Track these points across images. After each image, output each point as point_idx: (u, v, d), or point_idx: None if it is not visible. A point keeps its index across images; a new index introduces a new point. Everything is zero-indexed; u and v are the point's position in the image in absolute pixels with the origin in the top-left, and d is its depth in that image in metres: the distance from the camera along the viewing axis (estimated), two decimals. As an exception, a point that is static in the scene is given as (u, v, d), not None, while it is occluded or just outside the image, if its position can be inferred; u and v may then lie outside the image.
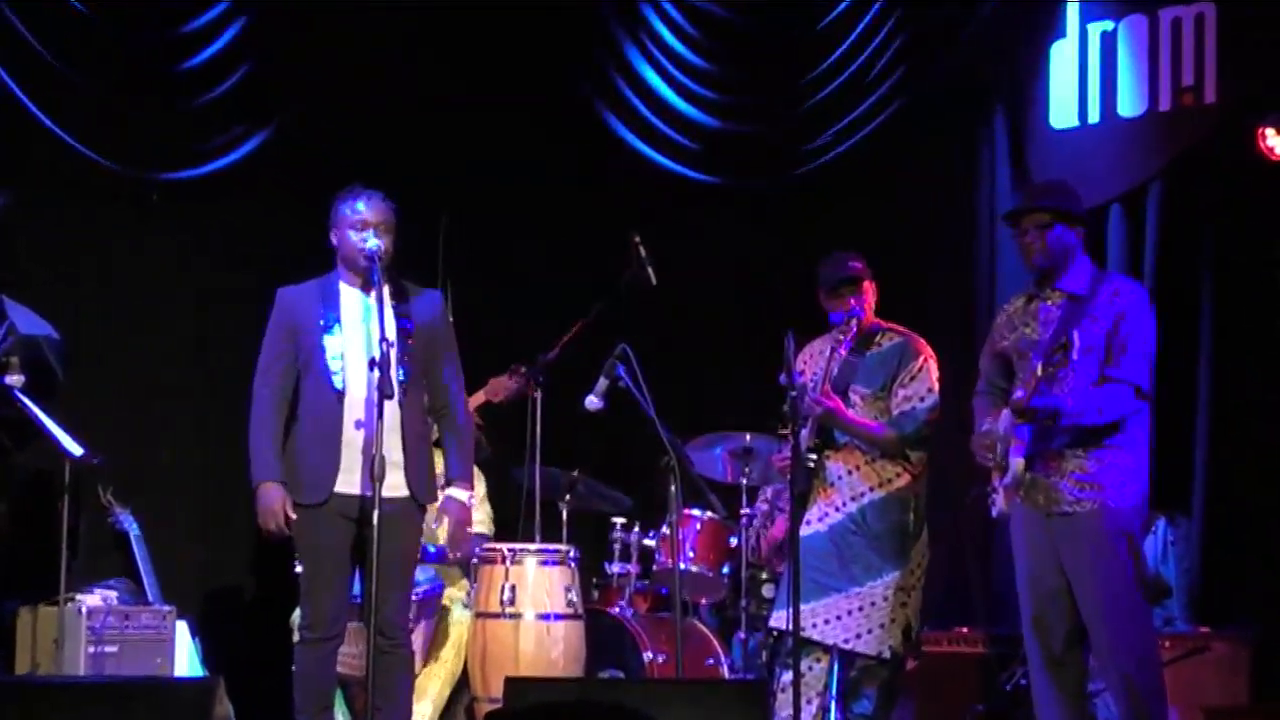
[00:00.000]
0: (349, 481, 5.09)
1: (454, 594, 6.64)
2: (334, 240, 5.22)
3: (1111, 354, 5.16)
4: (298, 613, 5.41)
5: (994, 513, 5.34)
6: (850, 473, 5.83)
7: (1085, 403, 5.14)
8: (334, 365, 5.10)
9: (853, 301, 5.84)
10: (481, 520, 6.84)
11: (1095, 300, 5.22)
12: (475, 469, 6.91)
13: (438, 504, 5.30)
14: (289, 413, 5.17)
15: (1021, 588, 5.33)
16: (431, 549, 6.20)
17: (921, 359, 5.83)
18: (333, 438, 5.09)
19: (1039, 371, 5.05)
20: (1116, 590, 5.15)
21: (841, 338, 5.79)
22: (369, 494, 4.93)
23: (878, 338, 5.88)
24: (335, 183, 5.35)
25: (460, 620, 6.52)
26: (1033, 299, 5.39)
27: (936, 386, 5.82)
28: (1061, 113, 7.49)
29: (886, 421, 5.79)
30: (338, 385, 5.10)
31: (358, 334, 5.14)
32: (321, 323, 5.14)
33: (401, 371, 5.03)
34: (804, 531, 5.71)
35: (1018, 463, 5.17)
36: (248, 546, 7.24)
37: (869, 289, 5.90)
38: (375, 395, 4.91)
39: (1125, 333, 5.17)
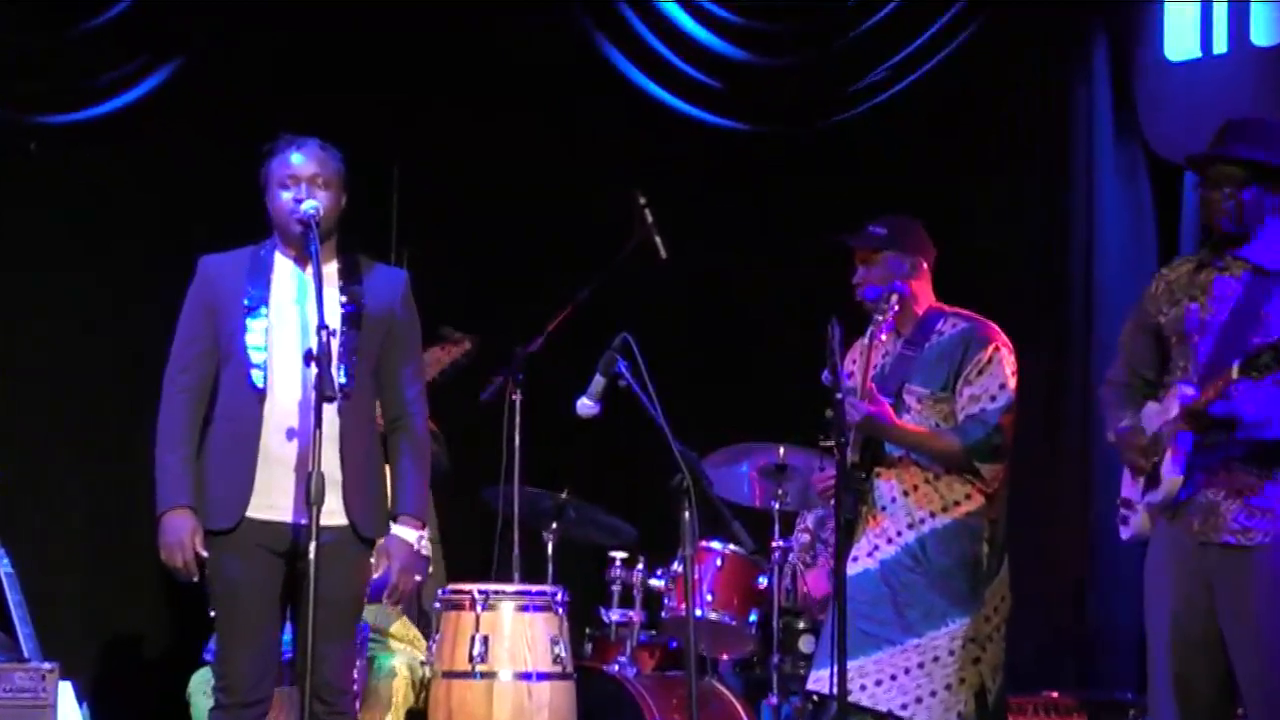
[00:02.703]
0: (272, 505, 5.02)
1: (396, 644, 6.58)
2: (267, 203, 5.17)
3: None
4: (207, 672, 5.37)
5: (1125, 535, 5.29)
6: (906, 494, 5.81)
7: (1270, 409, 5.06)
8: (255, 357, 5.05)
9: (861, 272, 5.84)
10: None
11: None
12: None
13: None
14: (205, 414, 5.11)
15: (1157, 635, 5.21)
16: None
17: (992, 347, 5.80)
18: (247, 448, 5.03)
19: (1234, 373, 4.95)
20: None
21: (881, 319, 5.78)
22: (302, 521, 4.87)
23: (938, 325, 5.85)
24: (259, 129, 5.31)
25: (405, 677, 6.46)
26: (1204, 266, 5.29)
27: (1012, 382, 5.78)
28: (1179, 41, 7.49)
29: (949, 428, 5.75)
30: (257, 383, 5.04)
31: (290, 319, 5.09)
32: (246, 302, 5.09)
33: (343, 370, 4.98)
34: (850, 570, 5.67)
35: (1174, 480, 5.11)
36: (149, 588, 7.24)
37: (883, 261, 5.85)
38: (313, 398, 4.86)
39: None
